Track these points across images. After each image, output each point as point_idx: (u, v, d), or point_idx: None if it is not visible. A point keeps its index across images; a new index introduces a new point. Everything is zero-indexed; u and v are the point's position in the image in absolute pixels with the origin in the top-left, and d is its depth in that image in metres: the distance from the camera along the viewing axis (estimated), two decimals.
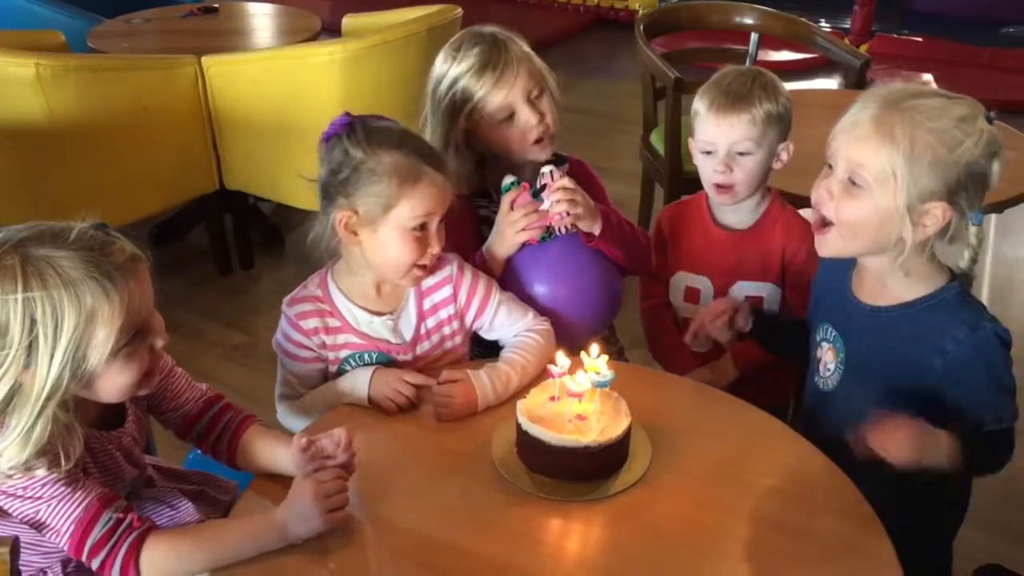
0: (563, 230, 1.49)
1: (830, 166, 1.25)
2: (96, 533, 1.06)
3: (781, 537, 1.13)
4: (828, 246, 1.28)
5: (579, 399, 1.21)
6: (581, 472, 1.19)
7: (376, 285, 1.42)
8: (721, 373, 1.66)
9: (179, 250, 3.16)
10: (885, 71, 4.29)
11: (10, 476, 1.05)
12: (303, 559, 1.09)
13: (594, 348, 1.26)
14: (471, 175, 1.58)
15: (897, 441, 1.12)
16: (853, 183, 1.21)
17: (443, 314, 1.45)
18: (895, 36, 5.07)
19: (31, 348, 1.01)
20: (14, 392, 1.02)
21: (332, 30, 3.54)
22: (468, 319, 1.46)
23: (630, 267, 1.64)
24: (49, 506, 1.06)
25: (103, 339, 1.03)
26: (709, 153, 1.59)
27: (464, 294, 1.45)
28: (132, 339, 1.06)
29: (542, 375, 1.34)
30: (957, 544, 1.39)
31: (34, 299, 1.00)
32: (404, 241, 1.33)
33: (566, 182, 1.47)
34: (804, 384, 1.47)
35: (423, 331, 1.44)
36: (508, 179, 1.50)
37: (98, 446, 1.16)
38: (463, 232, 1.57)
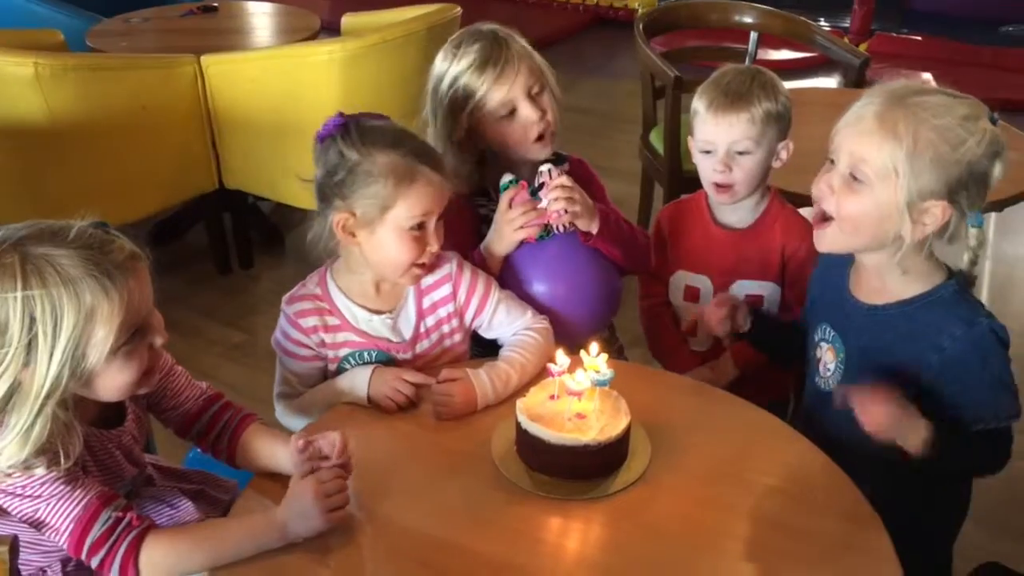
0: (561, 228, 1.49)
1: (832, 161, 1.24)
2: (95, 532, 1.06)
3: (781, 536, 1.13)
4: (827, 241, 1.28)
5: (579, 398, 1.21)
6: (581, 471, 1.19)
7: (375, 283, 1.42)
8: (721, 372, 1.66)
9: (178, 249, 3.16)
10: (884, 70, 4.29)
11: (9, 475, 1.05)
12: (302, 558, 1.09)
13: (594, 347, 1.26)
14: (471, 174, 1.57)
15: (875, 412, 1.15)
16: (854, 178, 1.21)
17: (442, 312, 1.44)
18: (894, 35, 5.07)
19: (30, 346, 1.01)
20: (13, 390, 1.02)
21: (331, 29, 3.54)
22: (468, 317, 1.46)
23: (629, 266, 1.64)
24: (48, 504, 1.06)
25: (102, 337, 1.02)
26: (708, 152, 1.59)
27: (463, 292, 1.45)
28: (132, 337, 1.06)
29: (542, 374, 1.34)
30: (957, 543, 1.39)
31: (33, 297, 1.00)
32: (402, 241, 1.33)
33: (564, 180, 1.47)
34: (803, 383, 1.47)
35: (422, 329, 1.44)
36: (506, 177, 1.50)
37: (98, 444, 1.16)
38: (463, 231, 1.57)
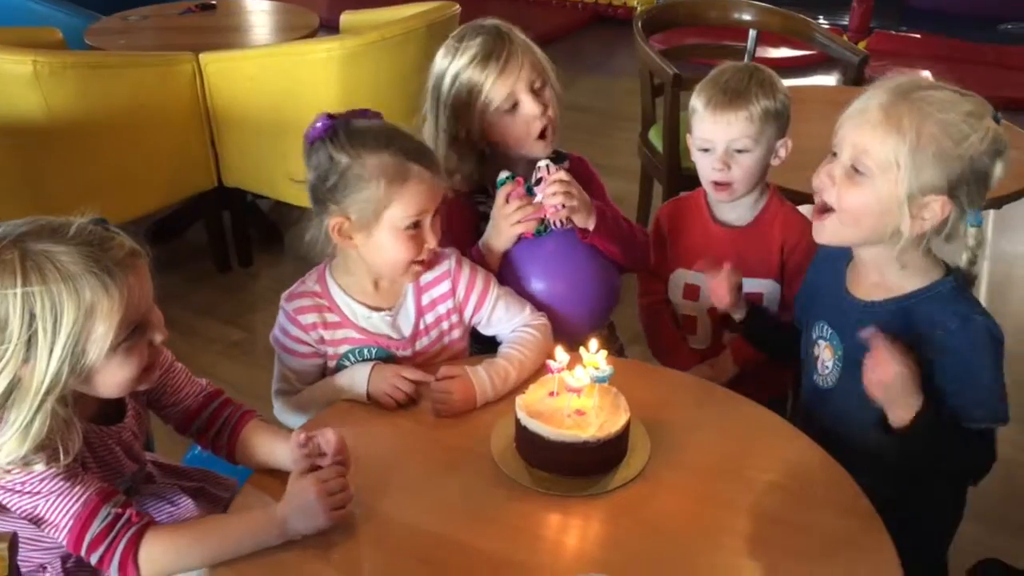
0: (558, 224, 1.49)
1: (835, 154, 1.25)
2: (95, 528, 1.06)
3: (780, 532, 1.13)
4: (826, 232, 1.28)
5: (578, 394, 1.22)
6: (580, 467, 1.19)
7: (374, 281, 1.42)
8: (720, 369, 1.66)
9: (177, 247, 3.16)
10: (883, 68, 4.28)
11: (8, 471, 1.05)
12: (302, 554, 1.09)
13: (593, 343, 1.26)
14: (472, 172, 1.57)
15: (887, 366, 1.14)
16: (856, 170, 1.21)
17: (442, 309, 1.45)
18: (893, 32, 5.07)
19: (30, 343, 1.01)
20: (13, 386, 1.02)
21: (330, 27, 3.54)
22: (467, 313, 1.46)
23: (628, 264, 1.64)
24: (48, 501, 1.06)
25: (102, 334, 1.02)
26: (707, 150, 1.59)
27: (463, 288, 1.45)
28: (131, 334, 1.06)
29: (541, 370, 1.34)
30: (956, 537, 1.39)
31: (33, 294, 1.00)
32: (399, 241, 1.33)
33: (562, 175, 1.47)
34: (801, 381, 1.47)
35: (422, 326, 1.44)
36: (503, 174, 1.50)
37: (97, 441, 1.16)
38: (462, 228, 1.57)
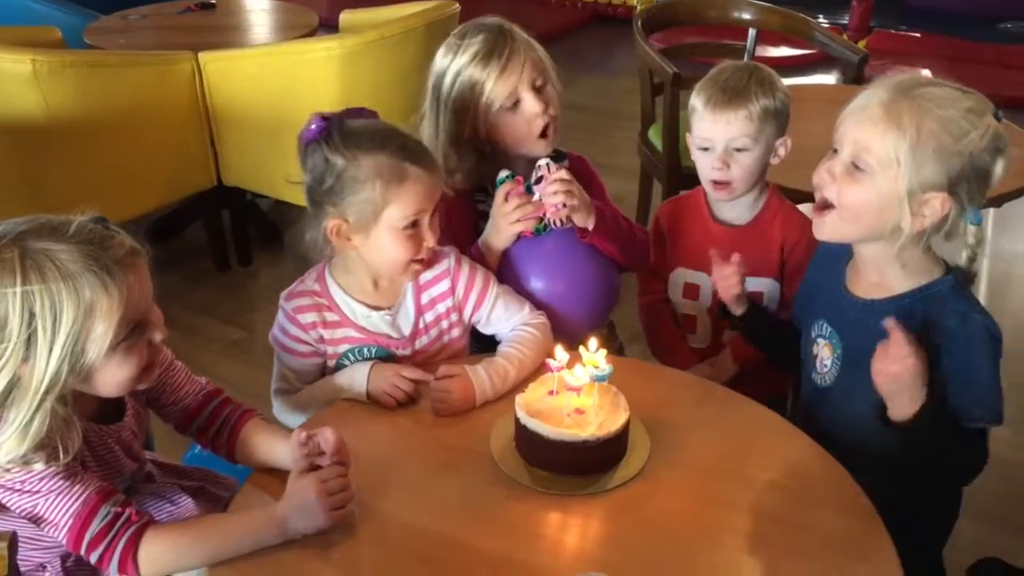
0: (559, 223, 1.49)
1: (835, 151, 1.25)
2: (94, 527, 1.06)
3: (780, 531, 1.13)
4: (826, 229, 1.28)
5: (578, 393, 1.22)
6: (580, 466, 1.19)
7: (373, 280, 1.42)
8: (720, 369, 1.66)
9: (177, 246, 3.16)
10: (883, 67, 4.28)
11: (8, 470, 1.05)
12: (301, 553, 1.09)
13: (592, 342, 1.26)
14: (472, 170, 1.57)
15: (901, 357, 1.13)
16: (856, 167, 1.21)
17: (441, 308, 1.45)
18: (893, 32, 5.08)
19: (30, 341, 1.01)
20: (12, 385, 1.02)
21: (329, 26, 3.54)
22: (466, 312, 1.46)
23: (627, 263, 1.64)
24: (47, 500, 1.06)
25: (102, 333, 1.02)
26: (706, 149, 1.58)
27: (462, 287, 1.45)
28: (131, 333, 1.06)
29: (540, 369, 1.34)
30: (956, 536, 1.40)
31: (33, 292, 1.00)
32: (398, 241, 1.33)
33: (563, 174, 1.47)
34: (801, 380, 1.47)
35: (422, 325, 1.44)
36: (503, 173, 1.50)
37: (97, 440, 1.16)
38: (461, 227, 1.57)
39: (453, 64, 1.51)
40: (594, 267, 1.57)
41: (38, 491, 1.06)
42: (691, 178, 1.73)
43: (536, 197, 1.48)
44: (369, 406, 1.35)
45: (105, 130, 2.52)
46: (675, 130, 2.53)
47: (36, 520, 1.08)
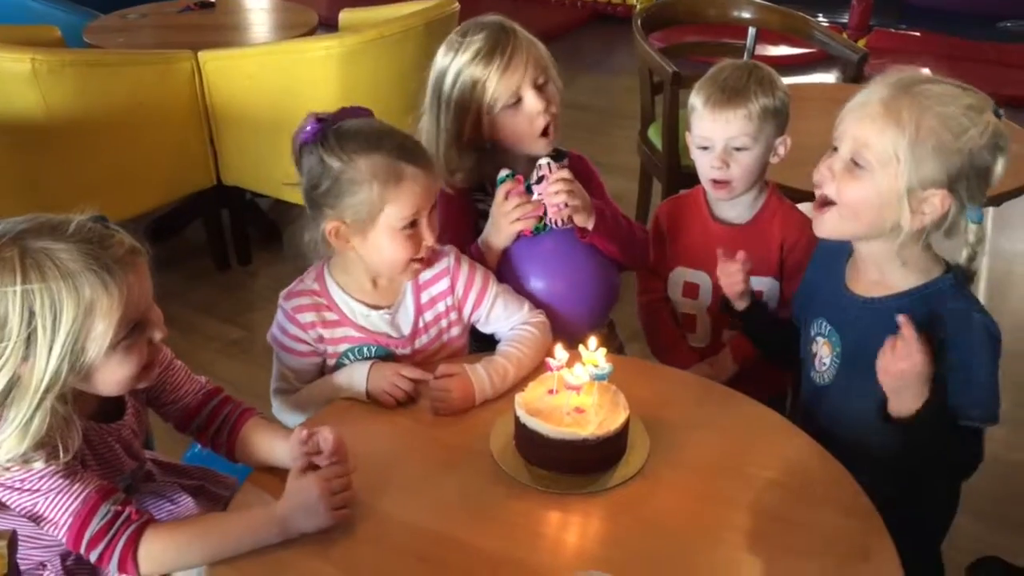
0: (560, 222, 1.49)
1: (835, 148, 1.25)
2: (94, 525, 1.06)
3: (780, 529, 1.13)
4: (826, 226, 1.28)
5: (577, 392, 1.21)
6: (579, 465, 1.19)
7: (372, 279, 1.42)
8: (720, 368, 1.66)
9: (176, 246, 3.16)
10: (883, 65, 4.29)
11: (8, 468, 1.05)
12: (301, 552, 1.09)
13: (592, 341, 1.26)
14: (472, 169, 1.57)
15: (911, 356, 1.12)
16: (856, 164, 1.21)
17: (441, 307, 1.44)
18: (893, 30, 5.08)
19: (30, 340, 1.01)
20: (13, 384, 1.02)
21: (329, 25, 3.54)
22: (466, 311, 1.46)
23: (627, 263, 1.64)
24: (47, 498, 1.06)
25: (102, 332, 1.02)
26: (706, 149, 1.58)
27: (461, 286, 1.45)
28: (131, 332, 1.06)
29: (540, 368, 1.34)
30: (956, 535, 1.40)
31: (33, 291, 1.00)
32: (397, 241, 1.33)
33: (565, 173, 1.47)
34: (799, 379, 1.47)
35: (421, 324, 1.44)
36: (504, 172, 1.50)
37: (97, 438, 1.16)
38: (461, 226, 1.57)
39: (454, 63, 1.50)
40: (594, 266, 1.57)
41: (38, 490, 1.06)
42: (691, 177, 1.73)
43: (536, 196, 1.48)
44: (369, 405, 1.35)
45: (104, 129, 2.52)
46: (675, 129, 2.53)
47: (36, 519, 1.08)
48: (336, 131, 1.31)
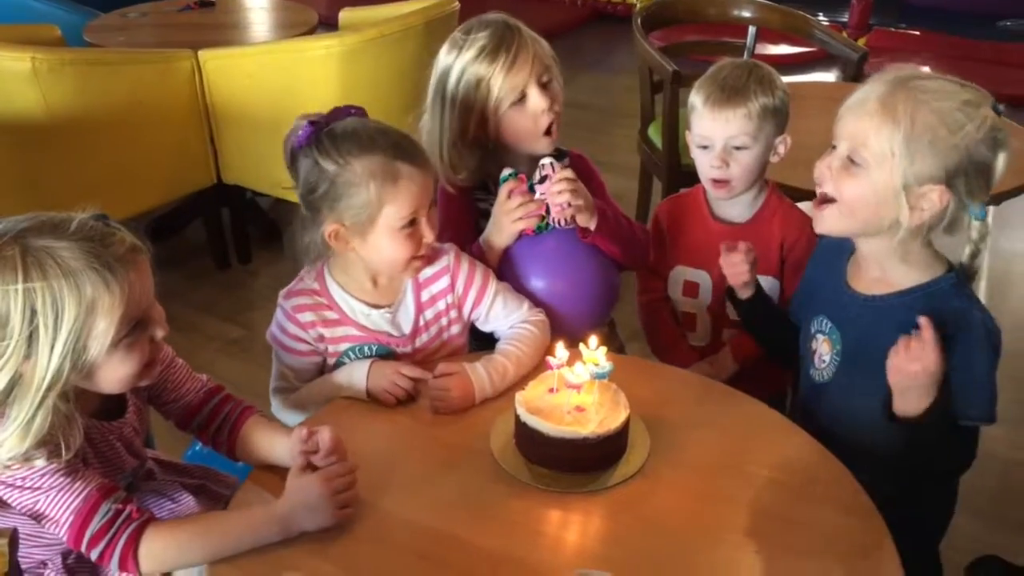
0: (562, 222, 1.49)
1: (835, 146, 1.25)
2: (95, 524, 1.06)
3: (780, 528, 1.13)
4: (826, 223, 1.28)
5: (578, 391, 1.22)
6: (580, 464, 1.19)
7: (372, 278, 1.42)
8: (720, 367, 1.66)
9: (176, 245, 3.17)
10: (883, 64, 4.29)
11: (9, 467, 1.05)
12: (301, 550, 1.09)
13: (592, 340, 1.26)
14: (476, 168, 1.57)
15: (927, 356, 1.12)
16: (852, 161, 1.21)
17: (441, 305, 1.45)
18: (893, 30, 5.08)
19: (31, 339, 1.01)
20: (14, 383, 1.02)
21: (329, 24, 3.54)
22: (466, 309, 1.46)
23: (627, 263, 1.64)
24: (48, 496, 1.07)
25: (103, 330, 1.03)
26: (705, 148, 1.58)
27: (461, 283, 1.45)
28: (132, 330, 1.06)
29: (540, 366, 1.34)
30: (954, 534, 1.40)
31: (34, 289, 1.00)
32: (397, 241, 1.33)
33: (568, 173, 1.47)
34: (799, 377, 1.47)
35: (422, 323, 1.44)
36: (507, 171, 1.50)
37: (98, 436, 1.16)
38: (462, 224, 1.57)
39: (458, 60, 1.50)
40: (595, 266, 1.57)
41: (39, 488, 1.06)
42: (691, 176, 1.73)
43: (539, 196, 1.48)
44: (369, 404, 1.35)
45: (105, 128, 2.52)
46: (675, 128, 2.53)
47: (37, 517, 1.08)
48: (329, 133, 1.31)
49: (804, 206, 1.53)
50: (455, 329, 1.47)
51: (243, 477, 1.24)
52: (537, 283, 1.54)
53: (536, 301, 1.51)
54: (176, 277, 2.90)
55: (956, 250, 1.27)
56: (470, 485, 1.20)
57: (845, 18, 5.03)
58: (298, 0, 3.70)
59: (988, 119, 1.16)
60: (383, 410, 1.34)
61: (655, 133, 2.76)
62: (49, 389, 1.02)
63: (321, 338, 1.40)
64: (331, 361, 1.42)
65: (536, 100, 1.49)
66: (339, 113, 1.35)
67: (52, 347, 1.01)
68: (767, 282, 1.64)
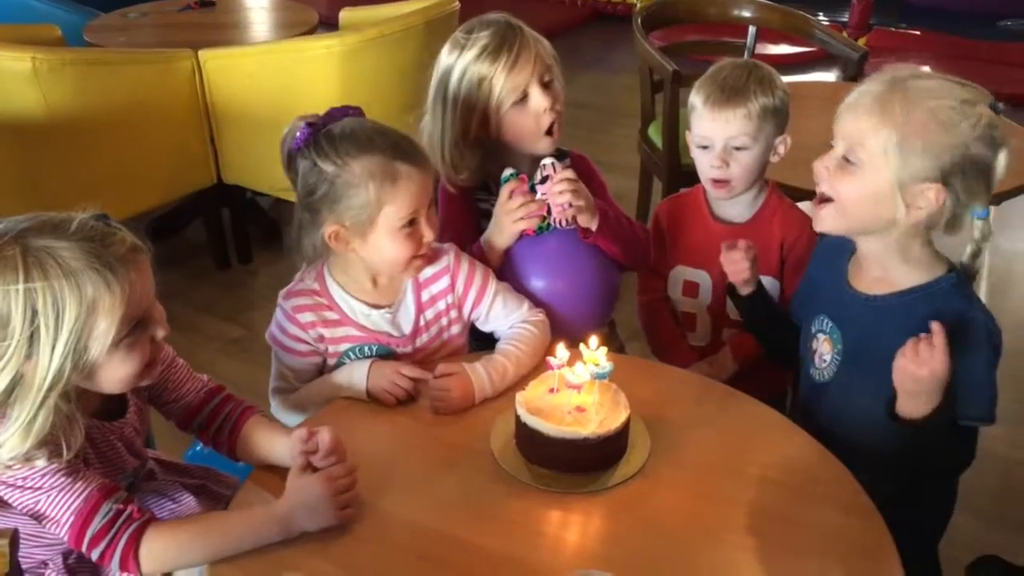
0: (564, 223, 1.49)
1: (834, 145, 1.25)
2: (96, 524, 1.06)
3: (780, 528, 1.13)
4: (823, 222, 1.28)
5: (578, 391, 1.22)
6: (580, 464, 1.19)
7: (372, 278, 1.42)
8: (720, 367, 1.66)
9: (177, 245, 3.17)
10: (883, 64, 4.29)
11: (10, 467, 1.05)
12: (301, 550, 1.09)
13: (593, 340, 1.26)
14: (477, 168, 1.57)
15: (936, 359, 1.11)
16: (848, 160, 1.22)
17: (441, 305, 1.45)
18: (893, 29, 5.08)
19: (32, 339, 1.01)
20: (16, 383, 1.02)
21: (329, 24, 3.54)
22: (466, 309, 1.46)
23: (628, 263, 1.64)
24: (49, 496, 1.07)
25: (104, 330, 1.03)
26: (705, 148, 1.58)
27: (461, 283, 1.45)
28: (133, 330, 1.07)
29: (541, 366, 1.34)
30: (954, 533, 1.40)
31: (35, 290, 1.00)
32: (397, 241, 1.33)
33: (570, 173, 1.47)
34: (799, 376, 1.47)
35: (422, 323, 1.44)
36: (508, 171, 1.50)
37: (99, 436, 1.16)
38: (463, 225, 1.57)
39: (460, 60, 1.49)
40: (596, 266, 1.57)
41: (40, 488, 1.06)
42: (691, 176, 1.73)
43: (540, 196, 1.48)
44: (369, 404, 1.35)
45: (105, 128, 2.52)
46: (675, 128, 2.53)
47: (38, 517, 1.08)
48: (327, 134, 1.31)
49: (804, 206, 1.53)
50: (455, 329, 1.47)
51: (244, 477, 1.24)
52: (538, 283, 1.54)
53: (537, 301, 1.51)
54: (176, 277, 2.90)
55: (958, 250, 1.27)
56: (470, 485, 1.20)
57: (845, 18, 5.03)
58: (298, 0, 3.70)
59: (984, 117, 1.16)
60: (383, 410, 1.34)
61: (655, 133, 2.76)
62: (50, 389, 1.02)
63: (321, 338, 1.40)
64: (331, 361, 1.42)
65: (538, 100, 1.49)
66: (336, 114, 1.35)
67: (53, 347, 1.01)
68: (767, 282, 1.64)
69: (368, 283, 1.41)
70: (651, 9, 2.96)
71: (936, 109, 1.15)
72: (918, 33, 5.02)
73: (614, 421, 1.19)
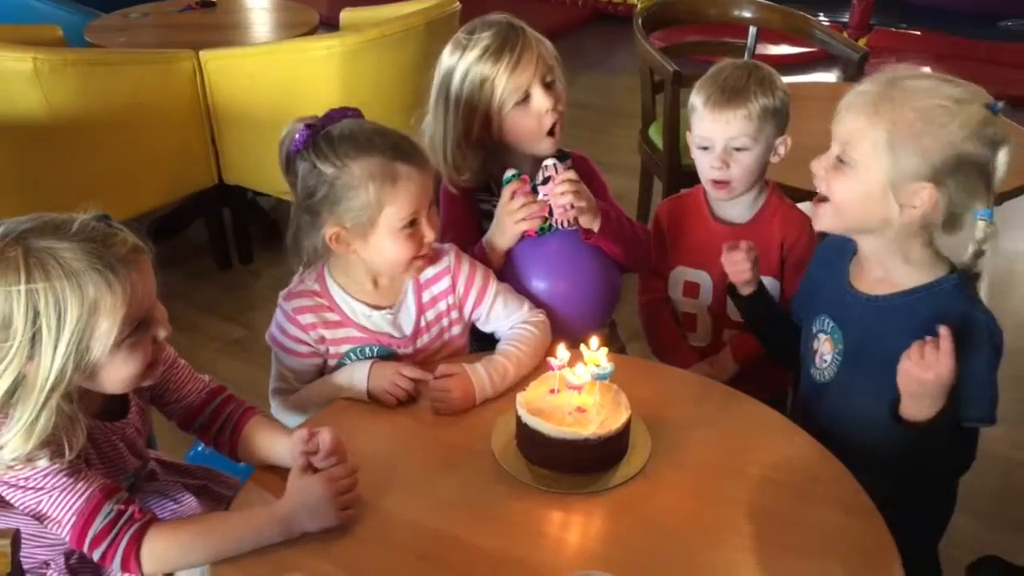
0: (565, 224, 1.49)
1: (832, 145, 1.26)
2: (97, 524, 1.07)
3: (780, 528, 1.13)
4: (822, 221, 1.29)
5: (579, 391, 1.22)
6: (581, 465, 1.20)
7: (373, 279, 1.42)
8: (720, 367, 1.66)
9: (178, 245, 3.17)
10: (883, 64, 4.29)
11: (12, 467, 1.05)
12: (302, 551, 1.09)
13: (594, 340, 1.26)
14: (479, 169, 1.57)
15: (943, 362, 1.11)
16: (841, 160, 1.22)
17: (442, 305, 1.45)
18: (893, 30, 5.08)
19: (34, 340, 1.01)
20: (18, 384, 1.03)
21: (330, 24, 3.54)
22: (467, 309, 1.46)
23: (629, 264, 1.64)
24: (51, 497, 1.07)
25: (106, 330, 1.03)
26: (706, 148, 1.59)
27: (462, 284, 1.45)
28: (135, 330, 1.07)
29: (541, 367, 1.34)
30: (954, 533, 1.40)
31: (37, 291, 1.00)
32: (398, 241, 1.33)
33: (571, 175, 1.47)
34: (799, 377, 1.47)
35: (423, 324, 1.44)
36: (509, 172, 1.50)
37: (101, 437, 1.16)
38: (464, 226, 1.57)
39: (462, 61, 1.49)
40: (597, 267, 1.57)
41: (42, 488, 1.07)
42: (691, 176, 1.73)
43: (542, 197, 1.48)
44: (369, 405, 1.35)
45: (106, 128, 2.52)
46: (675, 128, 2.53)
47: (40, 517, 1.08)
48: (326, 136, 1.30)
49: (804, 206, 1.53)
50: (456, 330, 1.47)
51: (245, 478, 1.25)
52: (539, 284, 1.54)
53: (538, 302, 1.51)
54: (178, 277, 2.91)
55: (963, 250, 1.27)
56: (471, 486, 1.20)
57: (846, 18, 5.03)
58: (299, 0, 3.70)
59: (976, 116, 1.16)
60: (384, 411, 1.34)
61: (656, 133, 2.76)
62: (52, 390, 1.02)
63: (322, 339, 1.40)
64: (332, 363, 1.42)
65: (540, 100, 1.49)
66: (335, 115, 1.35)
67: (55, 348, 1.01)
68: (767, 282, 1.64)
69: (369, 284, 1.41)
70: (652, 10, 2.96)
71: (926, 108, 1.16)
72: (918, 33, 5.02)
73: (615, 422, 1.20)
